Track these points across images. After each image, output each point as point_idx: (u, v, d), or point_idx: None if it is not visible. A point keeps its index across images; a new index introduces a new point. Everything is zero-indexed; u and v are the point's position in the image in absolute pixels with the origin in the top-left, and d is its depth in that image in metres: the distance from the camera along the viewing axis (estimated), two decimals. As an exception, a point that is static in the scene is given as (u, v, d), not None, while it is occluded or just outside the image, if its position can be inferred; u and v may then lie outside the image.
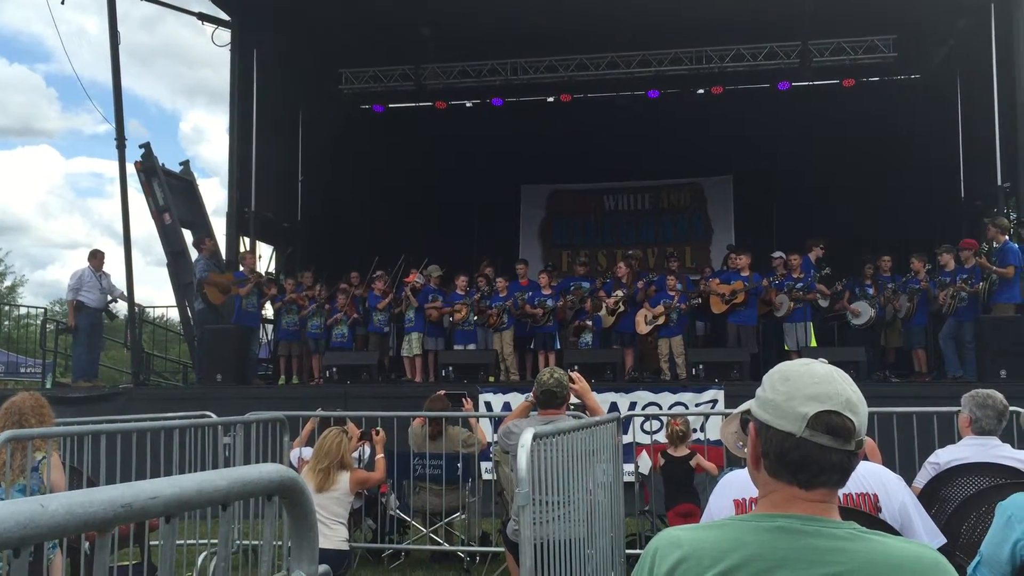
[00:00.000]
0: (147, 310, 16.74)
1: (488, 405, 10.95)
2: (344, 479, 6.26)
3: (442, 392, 8.48)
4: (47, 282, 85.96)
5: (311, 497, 1.57)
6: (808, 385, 1.59)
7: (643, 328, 12.62)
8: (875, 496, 2.90)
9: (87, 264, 13.32)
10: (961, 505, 4.23)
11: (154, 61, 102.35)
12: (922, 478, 4.80)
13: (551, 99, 17.60)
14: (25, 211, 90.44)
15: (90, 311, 13.09)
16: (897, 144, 16.24)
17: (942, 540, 3.03)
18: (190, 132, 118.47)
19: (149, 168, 14.19)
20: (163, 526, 1.38)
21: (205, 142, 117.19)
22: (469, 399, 8.91)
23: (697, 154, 17.86)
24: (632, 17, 14.03)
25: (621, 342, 12.80)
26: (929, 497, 4.61)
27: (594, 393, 5.83)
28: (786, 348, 12.56)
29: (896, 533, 2.68)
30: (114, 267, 13.26)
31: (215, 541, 5.99)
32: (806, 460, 1.56)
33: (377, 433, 7.35)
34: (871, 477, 2.94)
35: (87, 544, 4.78)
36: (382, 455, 7.14)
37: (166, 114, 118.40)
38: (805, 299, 12.50)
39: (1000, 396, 4.74)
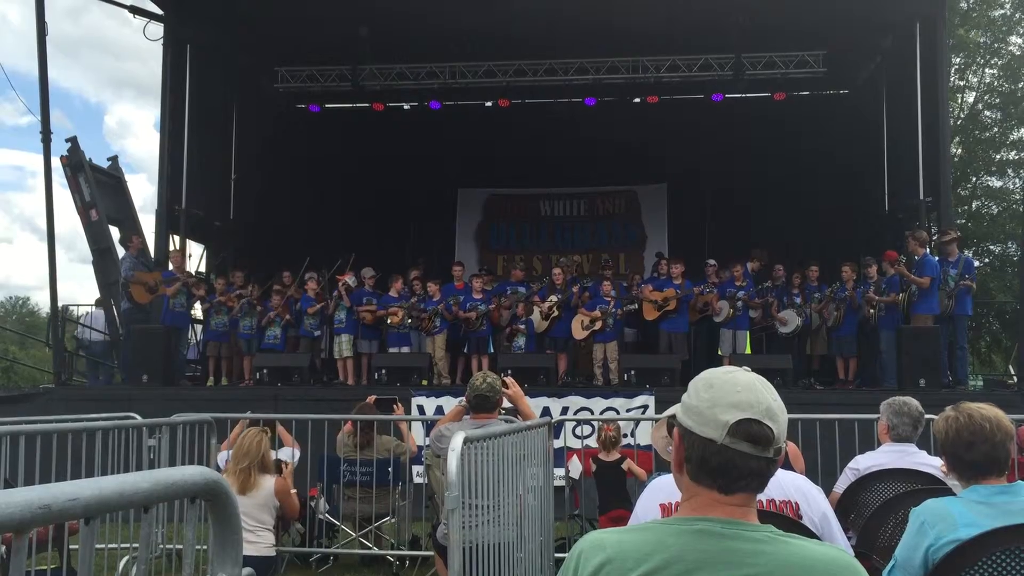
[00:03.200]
0: (71, 308, 16.26)
1: (421, 408, 10.92)
2: (268, 483, 6.15)
3: (372, 398, 8.40)
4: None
5: (235, 500, 1.56)
6: (731, 393, 1.63)
7: (580, 333, 12.71)
8: (796, 504, 2.97)
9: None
10: (879, 510, 4.34)
11: (79, 52, 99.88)
12: (842, 483, 4.92)
13: (489, 104, 17.62)
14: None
15: None
16: (825, 157, 16.64)
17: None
18: (115, 126, 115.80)
19: (76, 163, 13.84)
20: (83, 529, 1.36)
21: (131, 136, 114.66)
22: (401, 404, 8.83)
23: (632, 162, 18.08)
24: (570, 25, 14.14)
25: (555, 347, 12.87)
26: (848, 502, 4.73)
27: (527, 398, 5.86)
28: (720, 353, 12.78)
29: (815, 537, 2.75)
30: (36, 263, 12.90)
31: (137, 545, 5.87)
32: (726, 466, 1.60)
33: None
34: (792, 486, 3.01)
35: (3, 548, 4.64)
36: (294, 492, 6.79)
37: (91, 107, 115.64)
38: (749, 304, 12.78)
39: (916, 403, 4.88)
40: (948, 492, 3.54)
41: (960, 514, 2.86)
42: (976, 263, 19.28)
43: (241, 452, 6.11)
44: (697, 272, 13.51)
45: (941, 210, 13.25)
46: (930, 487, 4.36)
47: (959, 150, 25.35)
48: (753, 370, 1.73)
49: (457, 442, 4.01)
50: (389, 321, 13.05)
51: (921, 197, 13.26)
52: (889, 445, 4.88)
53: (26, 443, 5.29)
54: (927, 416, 4.99)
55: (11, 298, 64.49)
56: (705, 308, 12.89)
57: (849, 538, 4.56)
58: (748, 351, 13.11)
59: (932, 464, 4.73)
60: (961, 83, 26.08)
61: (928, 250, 11.92)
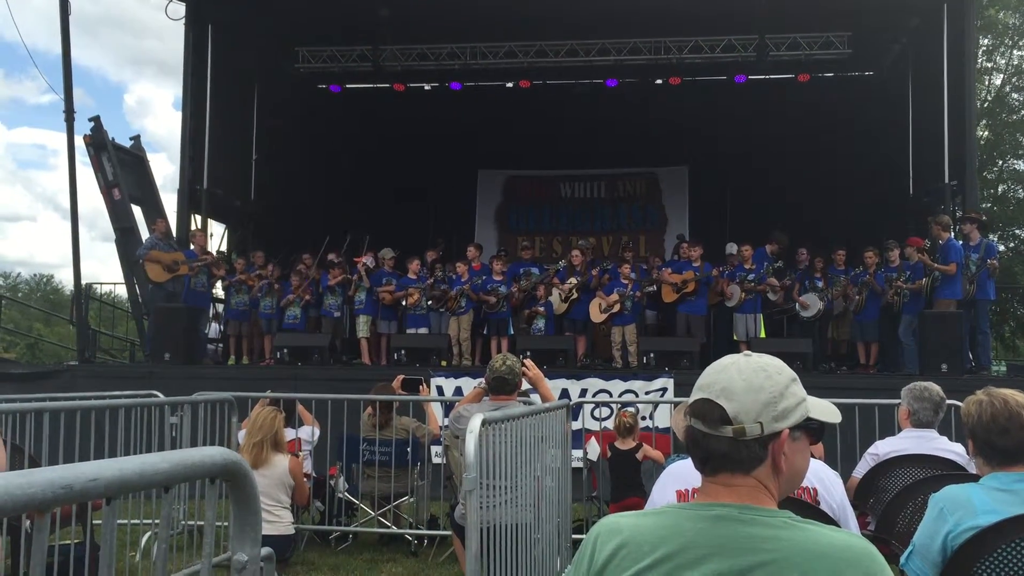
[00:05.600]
0: (94, 286, 16.42)
1: (440, 389, 10.96)
2: (282, 461, 6.20)
3: (400, 378, 8.39)
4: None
5: (254, 480, 1.57)
6: (704, 376, 1.69)
7: (598, 316, 12.70)
8: (815, 490, 2.97)
9: None
10: (898, 495, 4.32)
11: (98, 30, 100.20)
12: (862, 468, 4.91)
13: (510, 84, 17.56)
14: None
15: None
16: (849, 140, 16.48)
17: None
18: (135, 105, 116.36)
19: (98, 142, 13.90)
20: (105, 507, 1.38)
21: (151, 115, 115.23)
22: (426, 386, 8.84)
23: (654, 144, 17.96)
24: (593, 6, 14.07)
25: (573, 329, 12.87)
26: (867, 487, 4.72)
27: (546, 380, 5.87)
28: (735, 338, 12.73)
29: (832, 523, 2.74)
30: (60, 241, 13.03)
31: (159, 521, 5.94)
32: (695, 446, 1.66)
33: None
34: (810, 472, 2.99)
35: (28, 523, 4.70)
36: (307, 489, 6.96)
37: (111, 85, 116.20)
38: (756, 290, 12.67)
39: (937, 389, 4.85)
40: (968, 478, 3.52)
41: (980, 501, 2.84)
42: (1000, 247, 19.06)
43: (255, 427, 6.19)
44: (719, 255, 13.42)
45: (966, 194, 13.08)
46: (950, 473, 4.34)
47: (985, 133, 25.05)
48: (773, 354, 1.73)
49: (475, 423, 4.02)
50: (405, 302, 13.09)
51: (946, 180, 13.12)
52: (910, 430, 4.85)
53: (50, 420, 5.35)
54: (949, 401, 4.96)
55: (35, 275, 65.24)
56: (722, 292, 12.85)
57: (868, 523, 4.56)
58: (763, 335, 13.03)
59: (953, 450, 4.71)
60: (988, 65, 25.73)
61: (952, 234, 11.79)
